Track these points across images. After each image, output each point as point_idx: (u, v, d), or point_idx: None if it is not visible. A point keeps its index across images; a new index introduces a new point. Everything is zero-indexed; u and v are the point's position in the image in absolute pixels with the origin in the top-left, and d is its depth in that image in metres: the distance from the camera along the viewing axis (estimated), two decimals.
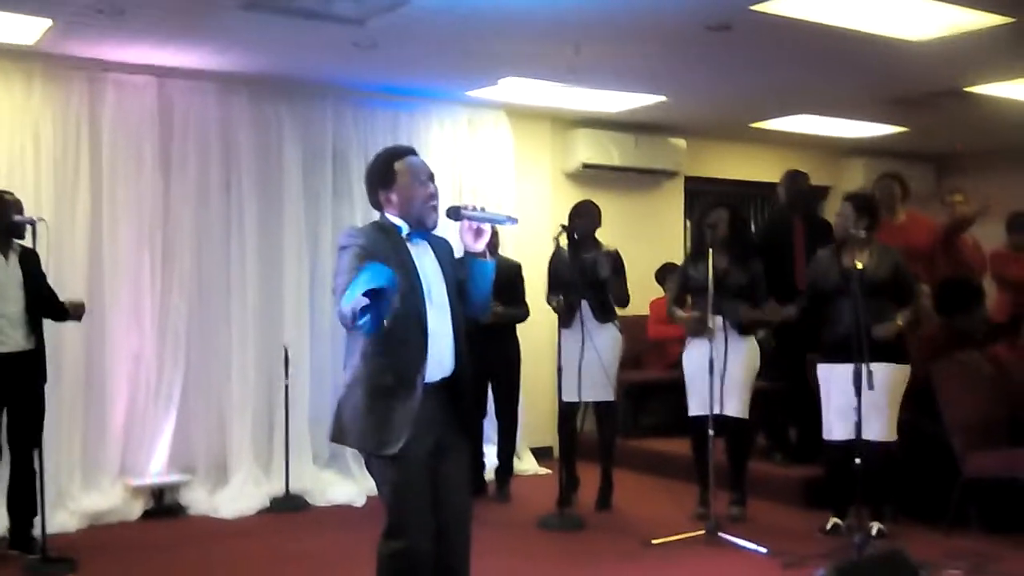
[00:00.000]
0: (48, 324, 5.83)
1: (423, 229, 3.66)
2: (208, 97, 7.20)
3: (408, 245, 3.61)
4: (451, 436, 3.66)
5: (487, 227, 3.70)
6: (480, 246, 3.71)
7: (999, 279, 7.80)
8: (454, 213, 3.68)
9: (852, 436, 5.62)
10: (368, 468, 3.70)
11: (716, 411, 6.11)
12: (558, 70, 7.06)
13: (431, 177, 3.69)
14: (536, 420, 8.26)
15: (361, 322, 3.14)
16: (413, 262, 3.58)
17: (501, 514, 6.91)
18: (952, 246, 7.42)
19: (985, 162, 10.38)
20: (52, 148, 6.68)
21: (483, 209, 3.73)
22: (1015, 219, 7.76)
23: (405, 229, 3.62)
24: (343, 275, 3.40)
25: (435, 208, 3.67)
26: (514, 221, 3.76)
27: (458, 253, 3.87)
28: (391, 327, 3.30)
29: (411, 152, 3.73)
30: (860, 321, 5.40)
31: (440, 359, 3.58)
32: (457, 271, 3.77)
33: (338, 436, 3.65)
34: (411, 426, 3.48)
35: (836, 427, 5.96)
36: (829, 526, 6.15)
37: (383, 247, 3.51)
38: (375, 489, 7.60)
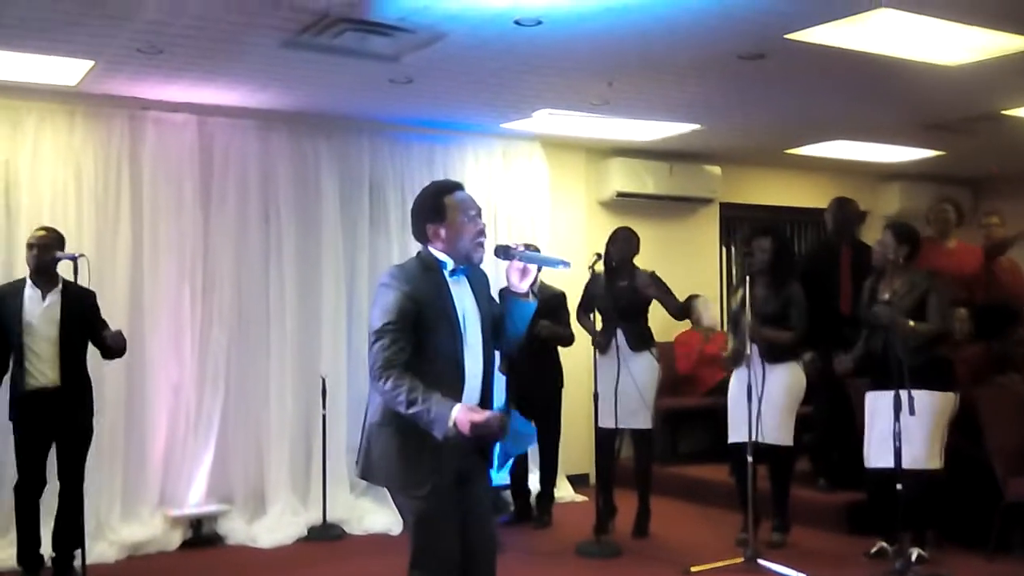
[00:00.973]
0: (92, 357, 5.93)
1: (468, 264, 3.65)
2: (248, 133, 7.32)
3: (449, 283, 3.60)
4: (473, 465, 3.66)
5: (533, 268, 3.71)
6: (525, 286, 3.71)
7: None
8: (504, 252, 3.68)
9: (889, 463, 5.64)
10: (393, 500, 3.71)
11: (755, 438, 6.11)
12: (592, 102, 7.11)
13: (479, 213, 3.67)
14: (572, 447, 8.25)
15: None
16: (453, 304, 3.58)
17: (539, 541, 6.92)
18: (988, 270, 7.38)
19: (1022, 184, 10.30)
20: (94, 185, 6.82)
21: (536, 249, 3.72)
22: None
23: (449, 265, 3.61)
24: (384, 318, 3.44)
25: (482, 244, 3.66)
26: (567, 265, 3.73)
27: (495, 285, 3.88)
28: (428, 370, 3.42)
29: (460, 187, 3.71)
30: (895, 351, 5.42)
31: (469, 396, 3.58)
32: (493, 306, 3.78)
33: (366, 474, 3.66)
34: (440, 466, 3.49)
35: (875, 453, 5.94)
36: (875, 550, 6.11)
37: (426, 289, 3.53)
38: None
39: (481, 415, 3.30)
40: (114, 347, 5.88)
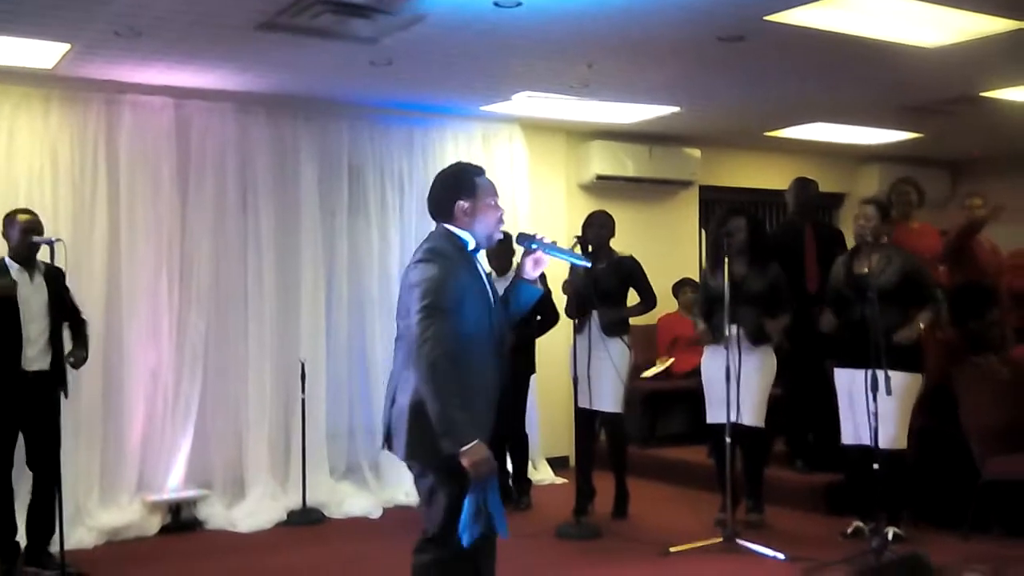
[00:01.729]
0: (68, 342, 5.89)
1: (487, 245, 3.75)
2: (225, 116, 7.27)
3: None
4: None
5: (546, 257, 3.80)
6: (536, 274, 3.82)
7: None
8: (526, 241, 3.78)
9: (862, 441, 5.70)
10: (423, 475, 3.68)
11: (733, 419, 6.14)
12: (572, 84, 7.10)
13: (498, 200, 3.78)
14: (552, 430, 8.28)
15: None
16: (484, 280, 3.67)
17: (518, 523, 6.89)
18: (966, 249, 7.41)
19: (1000, 166, 10.36)
20: (70, 170, 6.77)
21: (554, 242, 3.84)
22: None
23: (471, 244, 3.68)
24: (430, 296, 3.46)
25: (500, 229, 3.77)
26: (588, 264, 3.88)
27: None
28: (464, 348, 3.49)
29: (483, 171, 3.80)
30: (873, 327, 5.45)
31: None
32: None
33: (414, 453, 3.63)
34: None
35: (852, 431, 6.00)
36: (851, 529, 6.17)
37: (462, 267, 3.60)
38: (392, 501, 7.59)
39: (488, 463, 3.42)
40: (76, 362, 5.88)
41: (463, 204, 3.66)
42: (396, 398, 3.64)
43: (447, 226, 3.69)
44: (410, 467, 3.75)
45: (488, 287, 3.70)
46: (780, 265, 6.55)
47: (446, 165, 8.03)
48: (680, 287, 9.01)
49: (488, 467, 3.43)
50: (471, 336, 3.54)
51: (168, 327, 7.03)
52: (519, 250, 3.87)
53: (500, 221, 3.74)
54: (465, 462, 3.39)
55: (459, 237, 3.67)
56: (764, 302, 6.38)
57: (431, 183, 3.82)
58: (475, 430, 3.43)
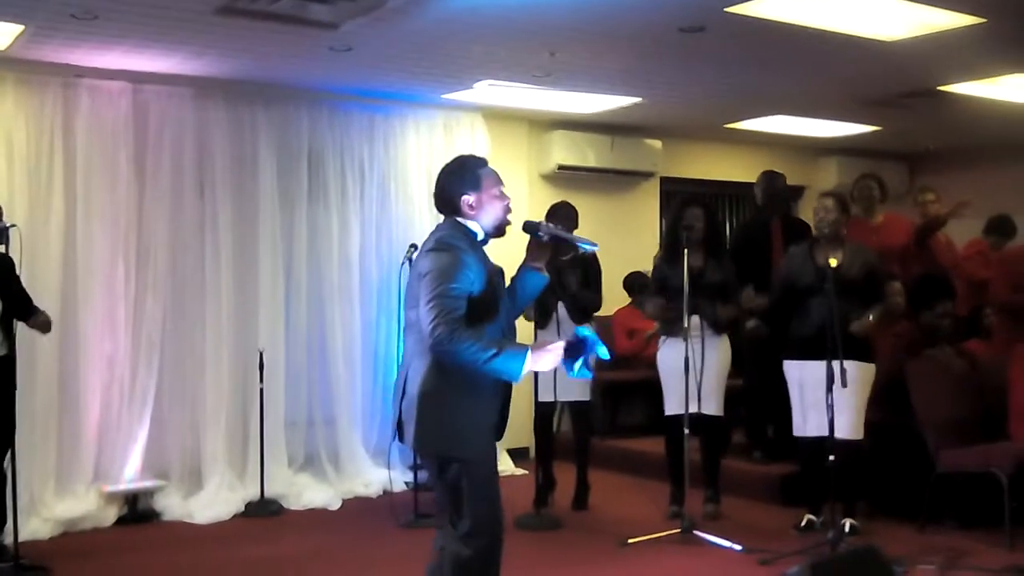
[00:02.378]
0: (22, 331, 5.75)
1: (496, 236, 3.76)
2: (183, 102, 7.18)
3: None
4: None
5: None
6: (543, 261, 3.87)
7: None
8: (532, 228, 3.80)
9: (821, 433, 5.73)
10: (442, 468, 3.64)
11: (693, 410, 6.17)
12: (534, 73, 7.08)
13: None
14: (512, 421, 8.22)
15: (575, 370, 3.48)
16: (493, 270, 3.70)
17: None
18: (925, 246, 7.48)
19: (959, 160, 10.45)
20: (25, 155, 6.66)
21: (560, 227, 3.90)
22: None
23: (480, 235, 3.70)
24: (447, 281, 3.48)
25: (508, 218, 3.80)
26: (595, 246, 3.87)
27: None
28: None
29: (486, 162, 3.82)
30: (834, 319, 5.47)
31: None
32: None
33: (426, 444, 3.64)
34: (488, 430, 3.69)
35: (806, 424, 6.02)
36: (803, 523, 6.21)
37: (478, 257, 3.62)
38: (351, 492, 7.53)
39: (550, 350, 3.48)
40: (40, 327, 5.77)
41: (468, 198, 3.69)
42: (407, 388, 3.65)
43: (458, 219, 3.72)
44: (421, 457, 3.80)
45: (497, 277, 3.73)
46: (748, 258, 6.58)
47: (408, 153, 8.10)
48: (632, 281, 8.97)
49: (555, 350, 3.47)
50: (482, 325, 3.54)
51: (124, 315, 6.95)
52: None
53: (508, 210, 3.75)
54: (540, 367, 3.47)
55: (468, 228, 3.69)
56: (723, 292, 6.42)
57: (435, 179, 3.83)
58: (517, 347, 3.46)
